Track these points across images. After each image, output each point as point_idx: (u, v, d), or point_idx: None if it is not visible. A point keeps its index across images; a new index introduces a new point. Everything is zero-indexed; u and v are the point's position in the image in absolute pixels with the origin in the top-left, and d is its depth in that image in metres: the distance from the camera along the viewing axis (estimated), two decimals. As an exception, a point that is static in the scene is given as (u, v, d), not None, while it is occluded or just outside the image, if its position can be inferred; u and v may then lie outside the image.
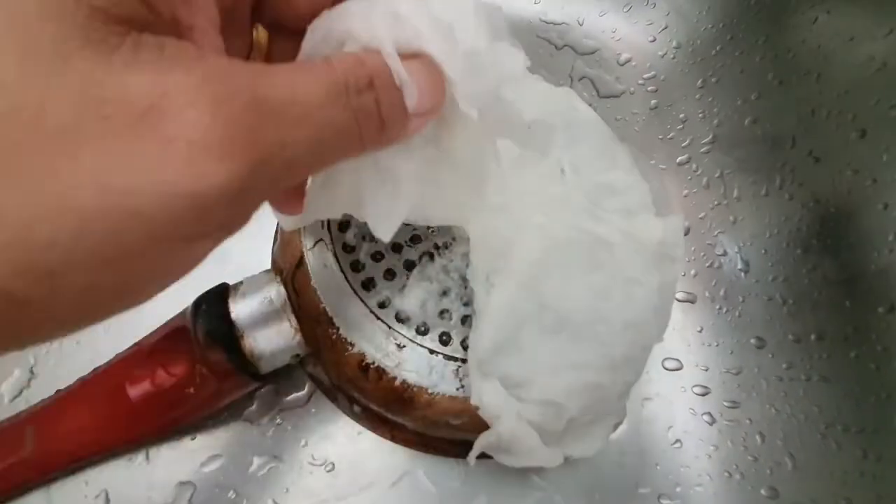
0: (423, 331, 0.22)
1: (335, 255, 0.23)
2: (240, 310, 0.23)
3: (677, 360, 0.29)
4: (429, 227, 0.24)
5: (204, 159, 0.09)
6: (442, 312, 0.22)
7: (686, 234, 0.32)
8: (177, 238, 0.10)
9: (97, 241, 0.09)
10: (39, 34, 0.09)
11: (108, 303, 0.11)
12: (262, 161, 0.10)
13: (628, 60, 0.38)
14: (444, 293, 0.23)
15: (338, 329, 0.22)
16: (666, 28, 0.37)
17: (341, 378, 0.23)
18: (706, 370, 0.29)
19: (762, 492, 0.25)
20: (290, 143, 0.10)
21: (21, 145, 0.09)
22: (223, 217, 0.11)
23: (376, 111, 0.12)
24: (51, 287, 0.09)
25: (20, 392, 0.26)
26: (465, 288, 0.23)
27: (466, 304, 0.22)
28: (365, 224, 0.23)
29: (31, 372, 0.27)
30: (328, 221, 0.24)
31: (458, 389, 0.21)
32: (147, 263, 0.10)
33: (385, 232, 0.16)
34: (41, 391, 0.26)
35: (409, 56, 0.12)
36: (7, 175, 0.09)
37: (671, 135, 0.35)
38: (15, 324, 0.10)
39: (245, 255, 0.30)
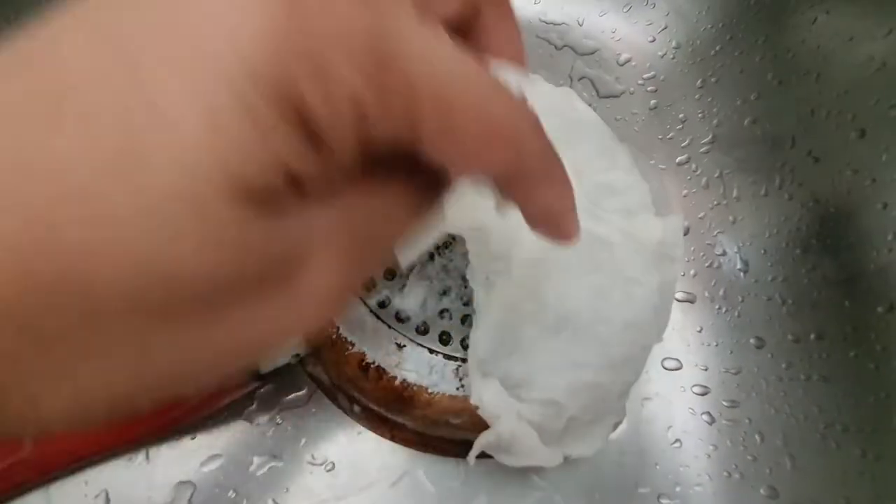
0: (422, 330, 0.22)
1: (335, 255, 0.23)
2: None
3: (677, 359, 0.29)
4: (429, 227, 0.24)
5: None
6: (442, 312, 0.22)
7: (686, 233, 0.32)
8: None
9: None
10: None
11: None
12: None
13: (628, 60, 0.38)
14: (444, 293, 0.23)
15: (338, 328, 0.22)
16: (665, 28, 0.37)
17: (341, 377, 0.23)
18: (706, 370, 0.29)
19: (761, 491, 0.25)
20: None
21: None
22: None
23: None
24: None
25: (20, 392, 0.26)
26: (465, 287, 0.23)
27: (466, 304, 0.22)
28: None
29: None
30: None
31: (457, 389, 0.21)
32: None
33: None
34: (41, 391, 0.26)
35: None
36: None
37: (671, 135, 0.35)
38: None
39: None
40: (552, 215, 0.12)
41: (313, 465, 0.26)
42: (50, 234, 0.07)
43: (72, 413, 0.09)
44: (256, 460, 0.26)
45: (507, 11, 0.13)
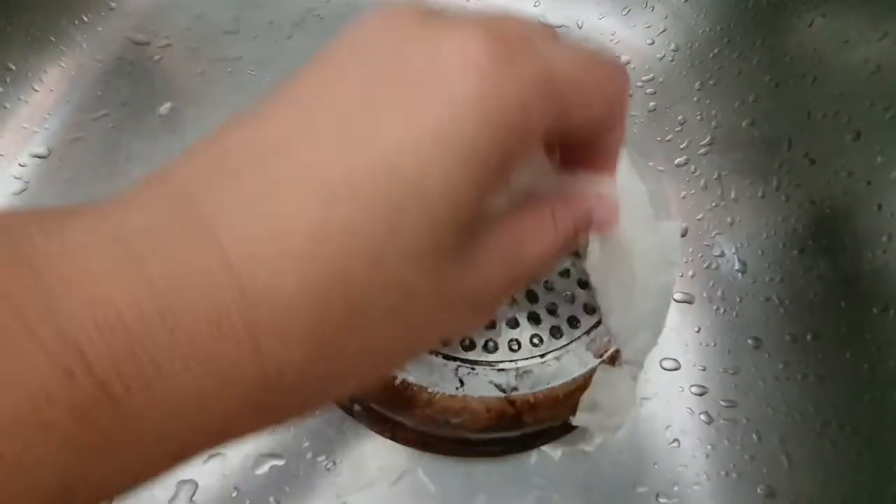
0: (423, 330, 0.22)
1: (336, 256, 0.23)
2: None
3: (675, 360, 0.29)
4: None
5: None
6: (442, 312, 0.22)
7: (684, 235, 0.32)
8: None
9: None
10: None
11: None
12: None
13: (627, 63, 0.38)
14: (444, 293, 0.23)
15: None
16: (664, 31, 0.37)
17: (342, 377, 0.24)
18: (704, 370, 0.29)
19: (759, 490, 0.25)
20: None
21: None
22: None
23: None
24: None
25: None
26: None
27: (466, 304, 0.23)
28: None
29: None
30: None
31: (456, 389, 0.22)
32: None
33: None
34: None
35: None
36: None
37: (669, 137, 0.35)
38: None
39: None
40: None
41: (314, 463, 0.26)
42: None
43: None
44: (258, 459, 0.26)
45: (621, 137, 0.16)
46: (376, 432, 0.26)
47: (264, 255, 0.09)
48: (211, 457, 0.26)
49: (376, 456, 0.26)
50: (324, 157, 0.10)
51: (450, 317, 0.12)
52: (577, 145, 0.16)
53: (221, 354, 0.09)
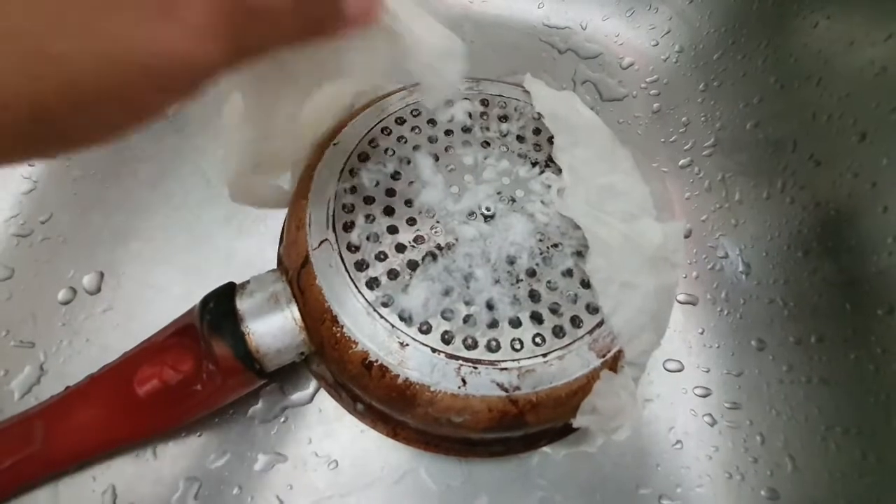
0: (425, 330, 0.22)
1: (340, 255, 0.23)
2: (246, 308, 0.23)
3: (678, 361, 0.29)
4: (432, 228, 0.24)
5: None
6: (444, 312, 0.22)
7: (688, 236, 0.32)
8: None
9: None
10: None
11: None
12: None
13: (631, 64, 0.38)
14: (447, 293, 0.23)
15: (342, 327, 0.22)
16: (668, 32, 0.37)
17: (345, 376, 0.24)
18: (707, 371, 0.29)
19: (762, 493, 0.25)
20: None
21: None
22: None
23: None
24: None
25: (30, 388, 0.27)
26: (468, 287, 0.23)
27: (468, 304, 0.23)
28: (370, 224, 0.24)
29: (41, 369, 0.27)
30: (333, 222, 0.24)
31: (459, 388, 0.22)
32: None
33: None
34: (51, 387, 0.26)
35: None
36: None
37: (673, 138, 0.35)
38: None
39: (252, 254, 0.30)
40: None
41: (317, 462, 0.26)
42: None
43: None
44: (261, 457, 0.26)
45: None
46: (379, 431, 0.27)
47: None
48: (215, 455, 0.26)
49: (379, 455, 0.26)
50: None
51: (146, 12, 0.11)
52: None
53: None
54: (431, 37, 0.19)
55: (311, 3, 0.14)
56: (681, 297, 0.30)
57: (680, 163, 0.34)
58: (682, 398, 0.28)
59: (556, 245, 0.24)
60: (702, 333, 0.30)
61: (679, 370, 0.29)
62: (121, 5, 0.11)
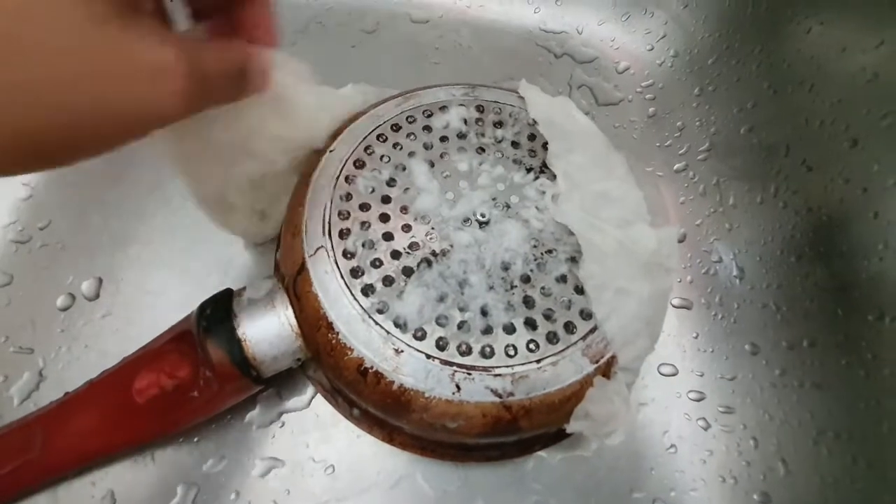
0: (419, 336, 0.22)
1: (335, 262, 0.23)
2: (243, 315, 0.23)
3: (673, 365, 0.29)
4: (426, 234, 0.24)
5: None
6: (439, 318, 0.23)
7: (682, 240, 0.32)
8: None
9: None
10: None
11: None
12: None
13: (626, 69, 0.38)
14: (441, 299, 0.23)
15: (337, 334, 0.22)
16: (664, 37, 0.38)
17: (341, 382, 0.24)
18: (701, 376, 0.29)
19: (755, 497, 0.25)
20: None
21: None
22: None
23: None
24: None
25: (29, 394, 0.27)
26: (462, 294, 0.23)
27: (462, 310, 0.23)
28: (365, 231, 0.24)
29: (40, 375, 0.27)
30: (329, 228, 0.24)
31: (453, 394, 0.22)
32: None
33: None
34: (50, 394, 0.26)
35: None
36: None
37: (668, 142, 0.35)
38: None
39: (249, 261, 0.31)
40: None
41: (314, 467, 0.26)
42: None
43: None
44: (258, 462, 0.26)
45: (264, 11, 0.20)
46: (375, 436, 0.27)
47: None
48: (213, 460, 0.26)
49: (375, 460, 0.26)
50: None
51: (119, 73, 0.14)
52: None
53: None
54: (307, 97, 0.24)
55: (237, 74, 0.19)
56: (675, 302, 0.31)
57: (675, 167, 0.34)
58: (676, 402, 0.28)
59: (550, 251, 0.25)
60: (696, 338, 0.30)
61: (673, 374, 0.29)
62: (120, 72, 0.14)
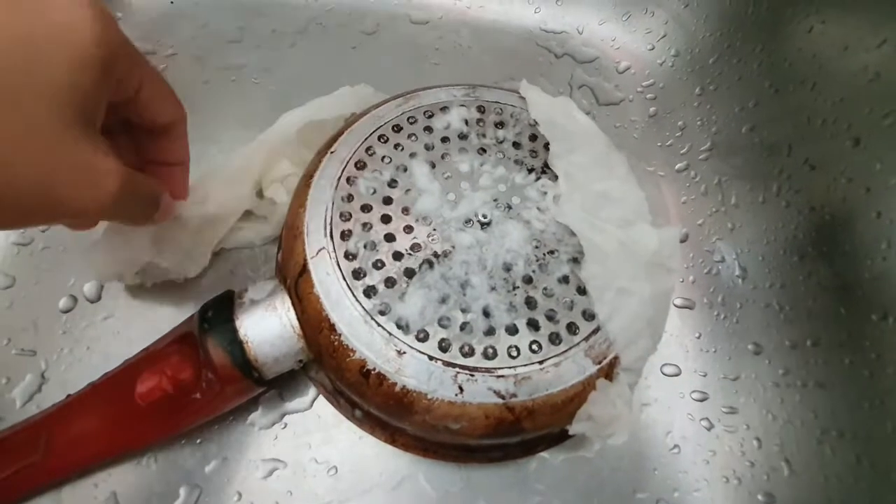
0: (422, 337, 0.22)
1: (337, 264, 0.23)
2: (245, 316, 0.23)
3: (676, 365, 0.29)
4: (428, 235, 0.24)
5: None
6: (441, 319, 0.23)
7: (685, 240, 0.32)
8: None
9: None
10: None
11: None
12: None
13: (627, 68, 0.38)
14: (444, 300, 0.23)
15: (339, 335, 0.22)
16: (665, 36, 0.38)
17: (343, 383, 0.24)
18: (704, 376, 0.29)
19: (759, 497, 0.25)
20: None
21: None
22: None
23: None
24: None
25: (31, 397, 0.27)
26: (465, 295, 0.23)
27: (465, 311, 0.23)
28: (367, 232, 0.24)
29: (43, 377, 0.27)
30: (331, 230, 0.24)
31: (456, 395, 0.22)
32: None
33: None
34: (52, 396, 0.26)
35: None
36: None
37: (670, 142, 0.35)
38: None
39: (250, 262, 0.31)
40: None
41: (316, 468, 0.26)
42: None
43: None
44: (261, 464, 0.26)
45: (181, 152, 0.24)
46: (377, 437, 0.27)
47: None
48: (215, 462, 0.26)
49: (377, 461, 0.26)
50: None
51: (65, 176, 0.17)
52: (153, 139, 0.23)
53: None
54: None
55: (152, 201, 0.22)
56: (678, 302, 0.31)
57: (676, 167, 0.34)
58: (679, 402, 0.28)
59: (552, 252, 0.25)
60: (699, 338, 0.30)
61: (676, 374, 0.29)
62: (72, 166, 0.17)
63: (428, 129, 0.27)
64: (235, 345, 0.23)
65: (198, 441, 0.26)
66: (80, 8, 0.17)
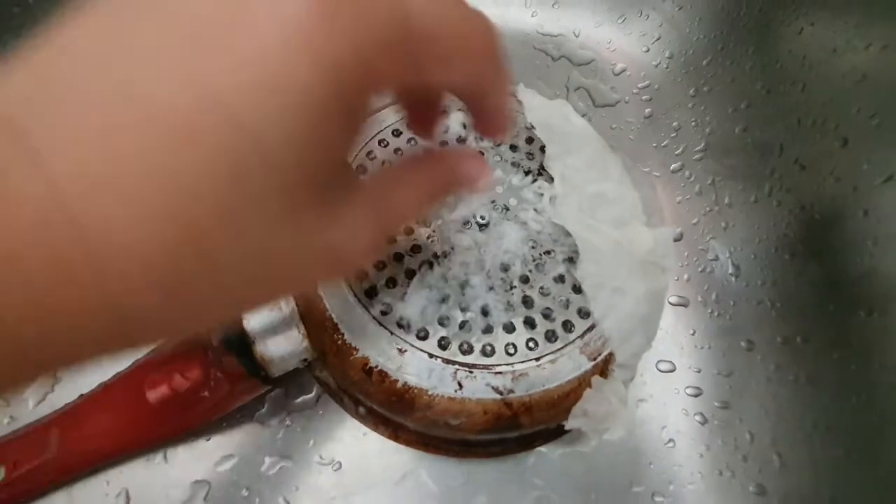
0: (422, 336, 0.23)
1: (340, 265, 0.24)
2: (252, 317, 0.24)
3: (670, 362, 0.30)
4: (428, 237, 0.25)
5: None
6: (441, 319, 0.23)
7: (679, 239, 0.33)
8: None
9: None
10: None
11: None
12: None
13: (623, 70, 0.39)
14: (443, 300, 0.24)
15: (343, 335, 0.23)
16: (659, 39, 0.38)
17: (346, 381, 0.25)
18: (698, 372, 0.30)
19: (751, 489, 0.26)
20: None
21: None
22: None
23: None
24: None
25: (45, 397, 0.28)
26: (463, 295, 0.24)
27: (464, 310, 0.24)
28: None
29: (55, 377, 0.28)
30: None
31: (455, 391, 0.22)
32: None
33: None
34: (65, 396, 0.27)
35: None
36: None
37: (665, 143, 0.36)
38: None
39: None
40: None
41: (321, 464, 0.27)
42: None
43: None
44: (268, 460, 0.27)
45: (500, 99, 0.16)
46: (380, 434, 0.27)
47: (100, 198, 0.09)
48: (223, 459, 0.27)
49: (380, 457, 0.27)
50: (156, 92, 0.10)
51: (313, 268, 0.13)
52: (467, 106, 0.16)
53: (66, 301, 0.09)
54: None
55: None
56: (673, 300, 0.31)
57: (671, 167, 0.35)
58: (674, 398, 0.29)
59: (548, 252, 0.25)
60: (693, 335, 0.30)
61: (671, 371, 0.30)
62: (301, 268, 0.13)
63: (427, 133, 0.28)
64: (243, 345, 0.23)
65: (206, 439, 0.27)
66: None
